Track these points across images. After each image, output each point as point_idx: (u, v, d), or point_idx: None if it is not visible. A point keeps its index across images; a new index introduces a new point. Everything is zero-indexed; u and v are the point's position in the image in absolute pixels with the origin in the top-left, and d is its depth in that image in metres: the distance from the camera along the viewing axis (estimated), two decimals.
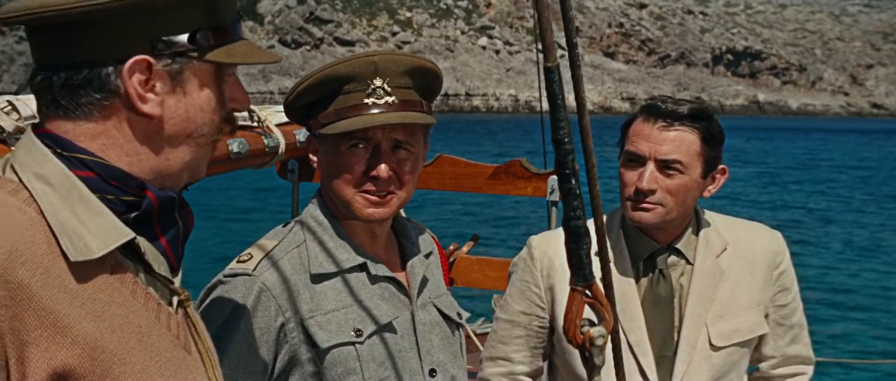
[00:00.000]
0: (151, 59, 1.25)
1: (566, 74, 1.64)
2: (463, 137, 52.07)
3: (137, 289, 1.26)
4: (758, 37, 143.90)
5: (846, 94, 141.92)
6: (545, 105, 1.72)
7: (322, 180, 1.99)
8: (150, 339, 1.25)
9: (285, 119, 2.46)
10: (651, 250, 2.35)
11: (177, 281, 1.35)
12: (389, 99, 1.89)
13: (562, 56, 1.55)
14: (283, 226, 2.01)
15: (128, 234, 1.24)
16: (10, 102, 1.91)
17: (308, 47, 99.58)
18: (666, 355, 2.34)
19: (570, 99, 1.64)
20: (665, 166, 2.26)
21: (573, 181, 1.65)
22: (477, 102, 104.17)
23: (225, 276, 1.90)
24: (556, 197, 3.28)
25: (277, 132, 2.71)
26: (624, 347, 2.28)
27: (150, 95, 1.26)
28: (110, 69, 1.24)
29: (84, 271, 1.20)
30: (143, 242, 1.28)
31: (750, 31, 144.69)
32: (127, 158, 1.27)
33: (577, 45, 1.62)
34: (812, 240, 21.41)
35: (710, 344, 2.33)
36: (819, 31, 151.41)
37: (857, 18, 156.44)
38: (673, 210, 2.28)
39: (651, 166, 2.26)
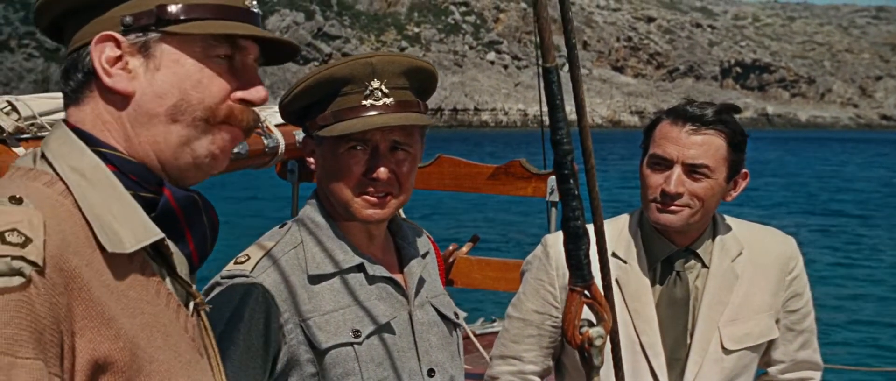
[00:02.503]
0: (116, 35, 1.25)
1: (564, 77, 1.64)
2: (470, 150, 52.07)
3: (161, 289, 1.26)
4: (766, 49, 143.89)
5: (855, 106, 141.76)
6: (545, 106, 1.71)
7: (319, 182, 1.98)
8: (173, 339, 1.24)
9: None
10: (669, 253, 2.33)
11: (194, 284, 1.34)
12: (387, 101, 1.88)
13: (561, 57, 1.55)
14: (280, 227, 2.00)
15: (158, 233, 1.24)
16: (9, 102, 1.92)
17: (317, 63, 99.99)
18: (678, 357, 2.33)
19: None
20: (692, 171, 2.24)
21: (571, 182, 1.65)
22: (485, 116, 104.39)
23: (222, 278, 1.88)
24: (555, 197, 3.28)
25: (277, 133, 2.71)
26: (636, 348, 2.29)
27: (115, 70, 1.25)
28: (85, 50, 1.26)
29: (118, 266, 1.20)
30: (170, 243, 1.27)
31: (758, 44, 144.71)
32: (125, 142, 1.27)
33: (575, 45, 1.62)
34: (822, 246, 21.33)
35: (722, 347, 2.32)
36: (828, 44, 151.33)
37: (866, 30, 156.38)
38: (698, 213, 2.26)
39: (678, 170, 2.23)
